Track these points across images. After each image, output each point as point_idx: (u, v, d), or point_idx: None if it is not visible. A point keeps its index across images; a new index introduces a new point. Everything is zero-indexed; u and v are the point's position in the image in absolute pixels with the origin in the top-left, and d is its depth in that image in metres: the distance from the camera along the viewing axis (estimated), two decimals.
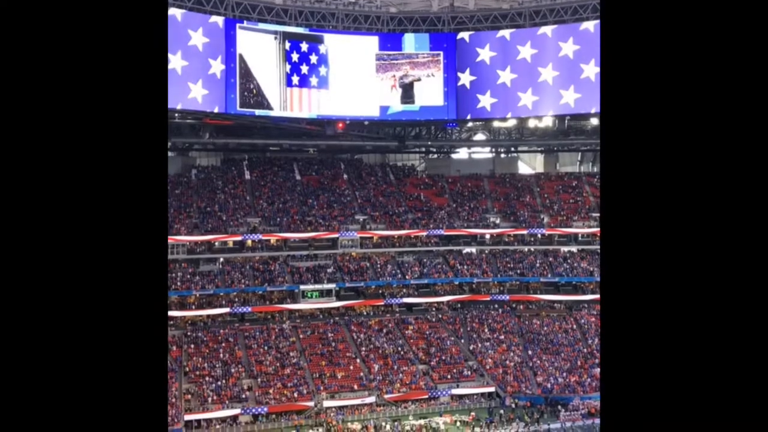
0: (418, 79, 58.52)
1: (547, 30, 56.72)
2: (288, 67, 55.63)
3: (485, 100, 57.84)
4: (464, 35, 58.35)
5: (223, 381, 46.05)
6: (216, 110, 53.19)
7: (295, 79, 55.89)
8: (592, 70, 54.93)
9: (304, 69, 56.30)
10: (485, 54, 57.83)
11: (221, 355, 48.33)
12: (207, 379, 45.99)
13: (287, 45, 55.56)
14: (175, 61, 50.35)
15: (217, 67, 52.97)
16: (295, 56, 55.80)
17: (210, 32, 52.36)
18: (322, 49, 56.90)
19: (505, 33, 57.64)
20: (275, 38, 55.27)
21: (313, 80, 56.52)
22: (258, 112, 55.38)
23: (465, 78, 58.40)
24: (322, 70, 56.86)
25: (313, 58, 56.54)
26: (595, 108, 54.92)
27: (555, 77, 56.47)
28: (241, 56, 53.66)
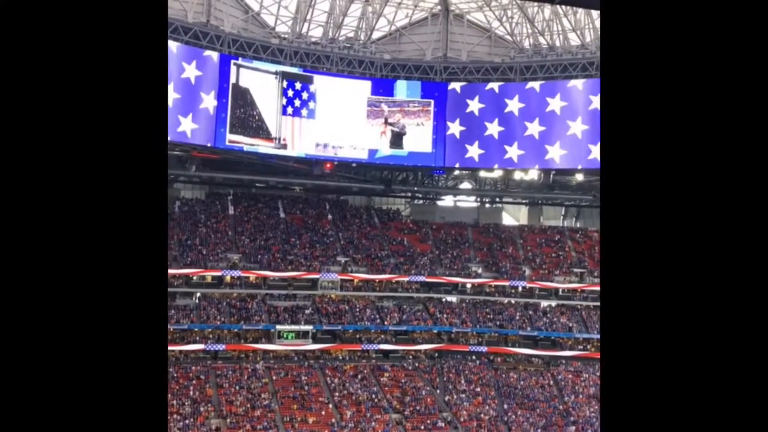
0: (405, 134, 58.95)
1: (535, 85, 56.66)
2: (284, 100, 56.50)
3: (473, 151, 57.82)
4: (455, 86, 58.75)
5: (191, 419, 44.86)
6: (209, 145, 53.31)
7: (290, 110, 56.70)
8: (578, 127, 54.64)
9: (297, 103, 56.98)
10: (474, 105, 57.93)
11: (191, 393, 47.21)
12: (175, 416, 44.75)
13: (284, 83, 56.40)
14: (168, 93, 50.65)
15: (209, 102, 53.07)
16: (290, 92, 56.78)
17: (203, 66, 52.61)
18: (312, 88, 57.45)
19: (494, 85, 57.66)
20: (275, 77, 56.06)
21: (304, 112, 57.13)
22: (246, 147, 55.30)
23: (454, 128, 58.60)
24: (311, 104, 57.44)
25: (305, 95, 57.23)
26: (581, 165, 54.85)
27: (541, 132, 55.82)
28: (247, 89, 54.90)
